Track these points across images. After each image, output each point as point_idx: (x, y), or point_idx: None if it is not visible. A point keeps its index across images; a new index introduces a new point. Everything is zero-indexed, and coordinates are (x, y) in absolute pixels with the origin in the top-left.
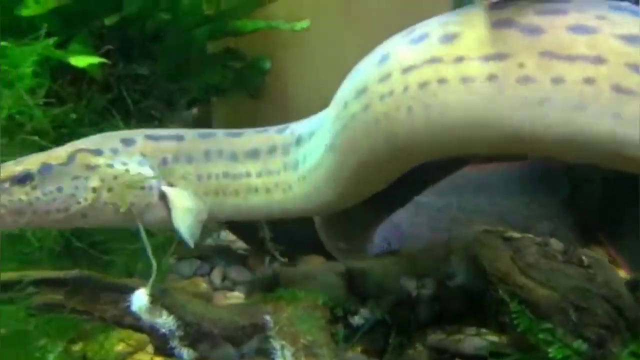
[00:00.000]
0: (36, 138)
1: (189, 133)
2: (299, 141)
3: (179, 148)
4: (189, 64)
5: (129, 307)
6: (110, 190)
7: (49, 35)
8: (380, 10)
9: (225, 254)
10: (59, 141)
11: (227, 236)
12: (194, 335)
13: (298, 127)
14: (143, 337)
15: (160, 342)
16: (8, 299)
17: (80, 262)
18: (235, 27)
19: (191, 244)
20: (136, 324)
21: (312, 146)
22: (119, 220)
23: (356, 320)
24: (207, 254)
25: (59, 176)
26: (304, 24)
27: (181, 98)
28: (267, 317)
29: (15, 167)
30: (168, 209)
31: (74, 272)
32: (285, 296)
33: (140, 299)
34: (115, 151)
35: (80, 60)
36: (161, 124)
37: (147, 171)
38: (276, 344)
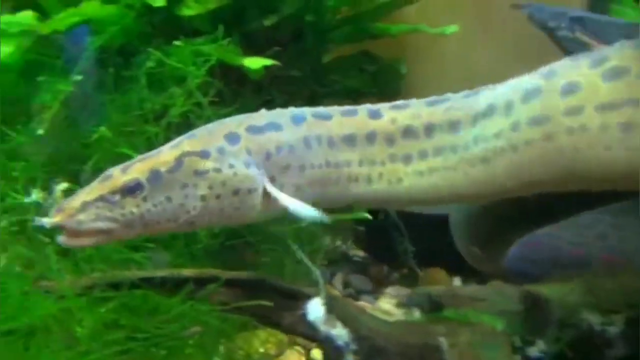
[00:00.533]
0: None
1: (283, 118)
2: (407, 133)
3: (279, 138)
4: (329, 66)
5: (304, 315)
6: (218, 197)
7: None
8: (514, 17)
9: (344, 260)
10: None
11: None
12: (368, 350)
13: (404, 118)
14: (284, 338)
15: (334, 354)
16: (205, 297)
17: (231, 262)
18: (378, 29)
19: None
20: (310, 333)
21: (438, 146)
22: (221, 222)
23: (532, 351)
24: (328, 260)
25: (168, 185)
26: (452, 28)
27: (326, 100)
28: (442, 339)
29: (123, 176)
30: (271, 203)
31: (251, 274)
32: (456, 317)
33: (316, 308)
34: (221, 151)
35: (254, 62)
36: None
37: (253, 172)
38: None
